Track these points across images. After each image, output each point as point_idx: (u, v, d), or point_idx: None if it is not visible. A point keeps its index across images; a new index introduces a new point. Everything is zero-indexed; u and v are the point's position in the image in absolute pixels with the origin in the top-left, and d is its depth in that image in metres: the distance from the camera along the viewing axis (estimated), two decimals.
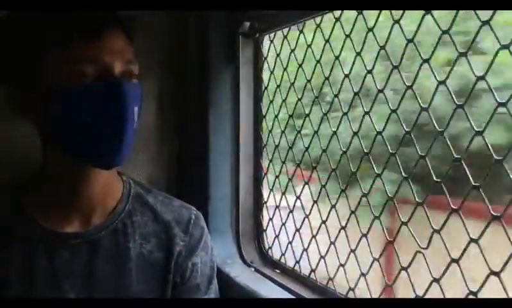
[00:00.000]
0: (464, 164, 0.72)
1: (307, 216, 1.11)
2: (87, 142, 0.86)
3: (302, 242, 1.13)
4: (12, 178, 0.99)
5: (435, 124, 0.77)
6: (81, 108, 0.84)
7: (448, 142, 0.76)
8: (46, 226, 0.93)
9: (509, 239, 0.64)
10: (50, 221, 0.93)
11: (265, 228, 1.27)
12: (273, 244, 1.25)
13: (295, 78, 1.15)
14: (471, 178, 0.71)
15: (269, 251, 1.26)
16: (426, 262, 0.80)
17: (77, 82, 0.83)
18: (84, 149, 0.87)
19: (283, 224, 1.20)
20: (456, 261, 0.74)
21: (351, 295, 0.98)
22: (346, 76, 0.98)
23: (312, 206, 1.09)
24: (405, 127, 0.85)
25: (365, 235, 0.95)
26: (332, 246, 1.03)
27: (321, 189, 1.07)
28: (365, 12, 0.92)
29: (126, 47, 0.87)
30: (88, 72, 0.83)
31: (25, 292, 0.90)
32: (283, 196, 1.20)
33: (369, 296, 0.94)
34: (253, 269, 1.23)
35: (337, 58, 1.02)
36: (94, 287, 0.94)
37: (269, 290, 1.11)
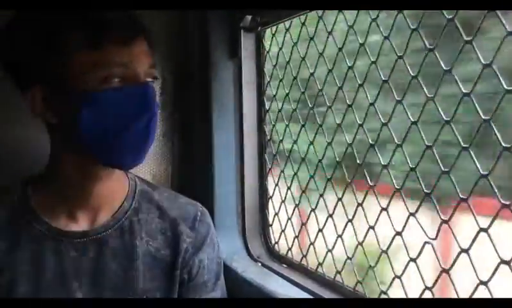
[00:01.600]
0: None
1: (313, 210, 1.11)
2: (113, 143, 0.87)
3: (308, 235, 1.12)
4: (20, 177, 0.99)
5: None
6: (110, 110, 0.85)
7: None
8: (53, 224, 0.93)
9: None
10: (57, 219, 0.93)
11: (271, 223, 1.26)
12: (279, 238, 1.24)
13: (298, 71, 1.14)
14: None
15: (276, 245, 1.25)
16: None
17: (107, 84, 0.84)
18: (108, 151, 0.88)
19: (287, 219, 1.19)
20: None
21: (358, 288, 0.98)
22: (350, 67, 0.98)
23: (318, 200, 1.09)
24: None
25: (372, 228, 0.95)
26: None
27: (326, 182, 1.06)
28: None
29: (148, 52, 0.89)
30: (117, 75, 0.85)
31: (33, 291, 0.91)
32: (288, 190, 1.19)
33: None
34: (259, 264, 1.23)
35: (340, 49, 1.01)
36: (101, 285, 0.94)
37: (276, 284, 1.11)
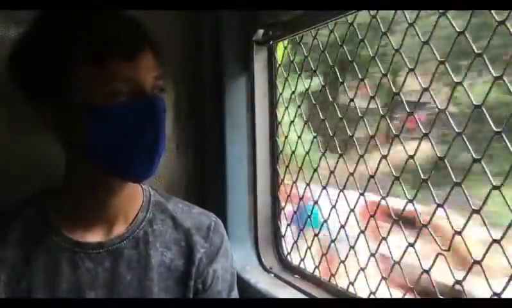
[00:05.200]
0: None
1: (326, 221, 1.11)
2: (122, 157, 0.88)
3: (321, 247, 1.13)
4: (36, 189, 1.00)
5: None
6: (118, 124, 0.86)
7: None
8: (69, 235, 0.94)
9: None
10: (73, 230, 0.94)
11: (283, 234, 1.27)
12: (291, 249, 1.24)
13: (310, 83, 1.15)
14: None
15: (288, 256, 1.26)
16: None
17: (113, 99, 0.85)
18: (118, 164, 0.89)
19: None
20: None
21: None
22: (362, 79, 0.99)
23: (331, 211, 1.09)
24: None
25: (384, 239, 0.95)
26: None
27: (339, 193, 1.06)
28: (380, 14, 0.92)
29: (154, 64, 0.89)
30: (123, 90, 0.85)
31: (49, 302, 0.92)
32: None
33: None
34: (272, 275, 1.23)
35: (352, 61, 1.02)
36: (116, 296, 0.94)
37: (289, 295, 1.11)
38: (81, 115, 0.86)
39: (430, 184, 0.83)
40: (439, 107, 0.81)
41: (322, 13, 1.02)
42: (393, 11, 0.90)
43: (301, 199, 1.19)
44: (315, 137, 1.14)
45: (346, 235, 1.05)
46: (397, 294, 0.93)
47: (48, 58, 0.87)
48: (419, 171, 0.85)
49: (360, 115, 1.00)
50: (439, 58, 0.80)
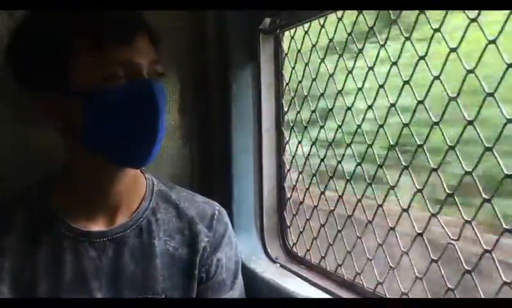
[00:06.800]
0: None
1: (332, 211, 1.11)
2: (121, 142, 0.88)
3: (327, 237, 1.12)
4: (40, 178, 1.00)
5: None
6: (116, 108, 0.86)
7: None
8: (73, 225, 0.94)
9: None
10: (76, 219, 0.95)
11: (289, 225, 1.26)
12: (297, 240, 1.24)
13: (317, 73, 1.14)
14: None
15: (294, 247, 1.25)
16: None
17: (109, 84, 0.85)
18: (117, 150, 0.89)
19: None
20: None
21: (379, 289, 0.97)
22: (370, 68, 0.97)
23: (338, 201, 1.08)
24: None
25: (393, 229, 0.94)
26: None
27: (346, 183, 1.06)
28: None
29: (151, 48, 0.89)
30: (120, 74, 0.85)
31: (53, 291, 0.92)
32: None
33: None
34: (278, 265, 1.23)
35: (360, 51, 1.01)
36: (120, 285, 0.95)
37: (295, 285, 1.10)
38: (79, 101, 0.86)
39: None
40: None
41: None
42: None
43: (307, 189, 1.19)
44: (322, 127, 1.13)
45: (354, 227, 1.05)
46: None
47: (46, 46, 0.87)
48: None
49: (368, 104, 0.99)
50: None
